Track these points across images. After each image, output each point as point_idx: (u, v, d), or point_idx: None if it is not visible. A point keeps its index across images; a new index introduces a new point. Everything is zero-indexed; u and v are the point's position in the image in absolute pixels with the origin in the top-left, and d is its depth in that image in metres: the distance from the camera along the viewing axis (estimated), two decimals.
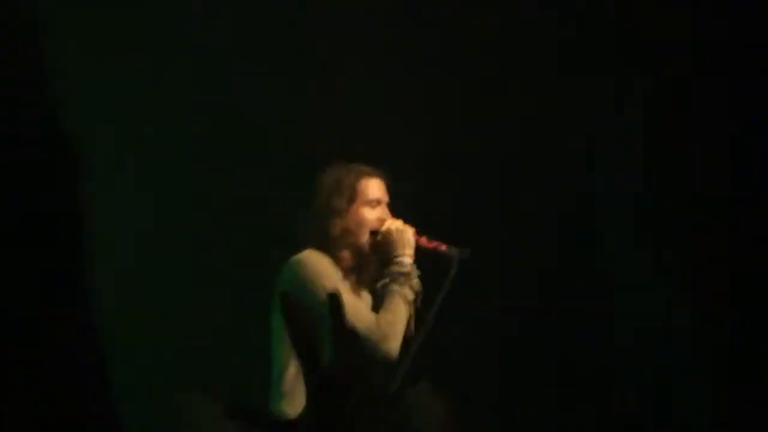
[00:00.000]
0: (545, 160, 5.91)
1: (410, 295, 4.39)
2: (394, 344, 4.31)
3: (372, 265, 4.51)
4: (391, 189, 4.58)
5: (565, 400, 5.78)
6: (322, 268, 4.36)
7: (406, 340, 4.36)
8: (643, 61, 5.77)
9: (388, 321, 4.32)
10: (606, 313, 5.80)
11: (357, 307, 4.34)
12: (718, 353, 5.52)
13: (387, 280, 4.41)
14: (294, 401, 4.35)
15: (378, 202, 4.53)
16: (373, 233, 4.48)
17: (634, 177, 5.79)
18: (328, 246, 4.44)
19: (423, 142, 5.87)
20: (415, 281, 4.43)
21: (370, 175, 4.55)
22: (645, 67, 5.77)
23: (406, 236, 4.45)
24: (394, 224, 4.49)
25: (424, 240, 4.50)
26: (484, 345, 5.91)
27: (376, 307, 4.41)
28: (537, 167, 5.91)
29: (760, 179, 5.52)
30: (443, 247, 4.49)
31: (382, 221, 4.51)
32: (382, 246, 4.47)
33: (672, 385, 5.60)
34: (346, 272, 4.48)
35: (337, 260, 4.45)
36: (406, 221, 4.52)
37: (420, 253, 4.48)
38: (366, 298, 4.53)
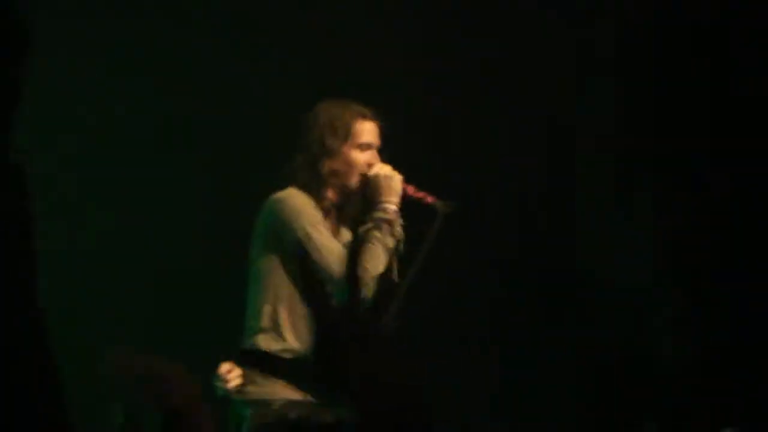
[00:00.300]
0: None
1: (390, 243, 4.37)
2: (367, 290, 4.32)
3: (355, 205, 4.49)
4: (383, 133, 4.53)
5: (548, 347, 5.81)
6: (303, 207, 4.36)
7: (390, 287, 4.36)
8: None
9: (364, 267, 4.32)
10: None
11: (337, 249, 4.35)
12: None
13: (370, 224, 4.39)
14: (269, 338, 4.37)
15: (369, 146, 4.49)
16: (362, 176, 4.46)
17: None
18: (314, 184, 4.42)
19: (417, 93, 5.86)
20: (398, 229, 4.41)
21: (365, 116, 4.50)
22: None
23: (393, 183, 4.42)
24: (383, 170, 4.45)
25: (411, 189, 4.46)
26: (467, 297, 5.96)
27: (354, 248, 4.40)
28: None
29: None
30: (429, 199, 4.46)
31: (371, 165, 4.47)
32: (369, 190, 4.44)
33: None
34: (327, 211, 4.46)
35: (320, 199, 4.43)
36: (395, 168, 4.48)
37: (406, 202, 4.44)
38: (345, 236, 4.50)
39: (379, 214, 4.40)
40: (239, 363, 4.33)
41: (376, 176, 4.44)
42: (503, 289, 5.89)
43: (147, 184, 5.90)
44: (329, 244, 4.34)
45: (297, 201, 4.37)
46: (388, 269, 4.38)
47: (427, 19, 5.94)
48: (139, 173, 5.89)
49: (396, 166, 4.48)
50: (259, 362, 4.32)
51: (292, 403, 4.34)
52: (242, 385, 4.35)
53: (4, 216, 0.99)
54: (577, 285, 5.83)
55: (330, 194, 4.46)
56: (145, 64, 5.82)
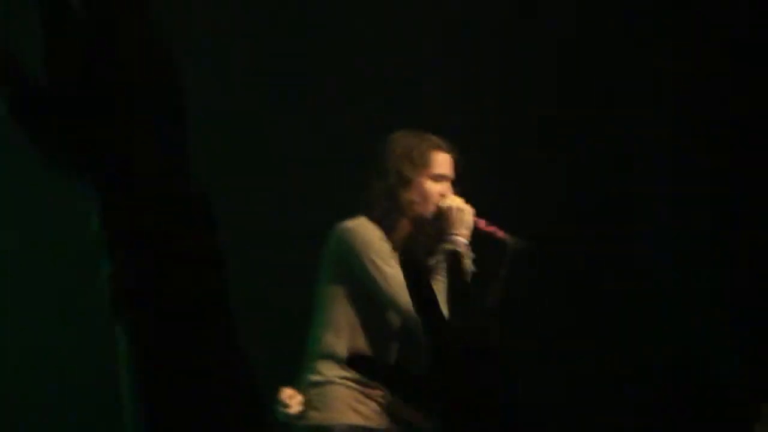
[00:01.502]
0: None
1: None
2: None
3: (427, 238, 4.49)
4: (458, 166, 4.55)
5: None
6: (372, 239, 4.37)
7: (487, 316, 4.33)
8: None
9: None
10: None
11: (400, 280, 4.26)
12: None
13: (441, 256, 4.38)
14: (330, 364, 4.38)
15: (444, 177, 4.50)
16: (435, 207, 4.46)
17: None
18: (392, 214, 4.44)
19: (493, 127, 5.85)
20: (468, 262, 4.37)
21: (441, 148, 4.51)
22: None
23: (465, 216, 4.42)
24: (455, 202, 4.45)
25: (482, 223, 4.46)
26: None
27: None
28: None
29: None
30: (500, 234, 4.46)
31: (444, 197, 4.48)
32: (440, 222, 4.44)
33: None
34: (399, 242, 4.47)
35: (393, 229, 4.44)
36: (467, 202, 4.49)
37: (477, 236, 4.44)
38: None
39: (450, 247, 4.39)
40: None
41: (448, 208, 4.43)
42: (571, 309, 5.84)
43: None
44: (398, 277, 4.29)
45: (367, 232, 4.38)
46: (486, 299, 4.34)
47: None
48: None
49: (468, 200, 4.49)
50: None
51: (353, 429, 4.35)
52: (303, 410, 4.36)
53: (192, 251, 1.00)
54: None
55: (404, 225, 4.47)
56: None
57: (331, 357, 4.38)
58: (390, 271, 4.33)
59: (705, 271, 5.66)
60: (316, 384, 4.39)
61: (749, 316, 5.56)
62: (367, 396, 4.39)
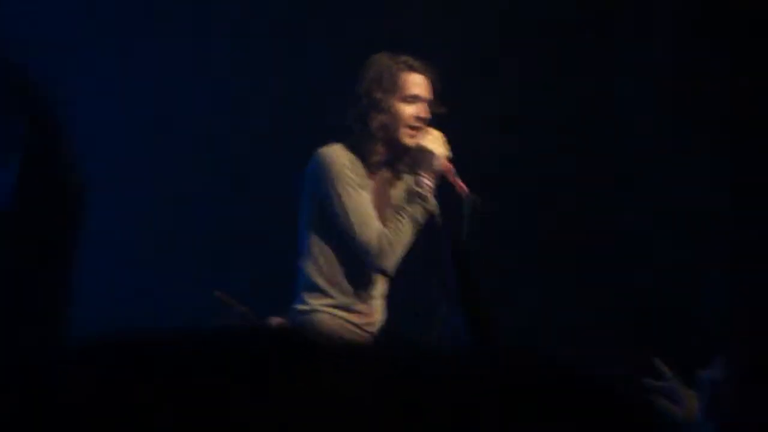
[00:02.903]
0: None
1: (421, 218, 4.37)
2: (389, 262, 4.35)
3: (403, 163, 4.45)
4: (438, 87, 4.40)
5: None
6: (340, 167, 4.32)
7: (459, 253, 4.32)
8: None
9: (389, 240, 4.33)
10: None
11: (365, 216, 4.34)
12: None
13: (403, 196, 4.40)
14: (315, 294, 4.41)
15: (417, 98, 4.38)
16: (410, 131, 4.37)
17: None
18: (364, 139, 4.37)
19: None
20: (432, 203, 4.38)
21: (414, 68, 4.39)
22: None
23: (434, 160, 4.37)
24: (427, 140, 4.38)
25: (450, 172, 4.40)
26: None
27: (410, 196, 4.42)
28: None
29: None
30: (462, 189, 4.38)
31: (419, 119, 4.38)
32: (410, 158, 4.41)
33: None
34: (378, 165, 4.42)
35: (370, 154, 4.37)
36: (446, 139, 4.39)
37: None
38: (401, 188, 4.47)
39: (414, 187, 4.39)
40: None
41: (417, 146, 4.38)
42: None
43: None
44: (358, 208, 4.32)
45: (337, 158, 4.34)
46: (458, 236, 4.29)
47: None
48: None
49: (446, 134, 4.40)
50: None
51: None
52: None
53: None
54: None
55: (380, 149, 4.39)
56: None
57: (313, 286, 4.40)
58: (351, 201, 4.32)
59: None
60: (302, 313, 4.41)
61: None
62: (349, 322, 4.42)
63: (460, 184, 4.40)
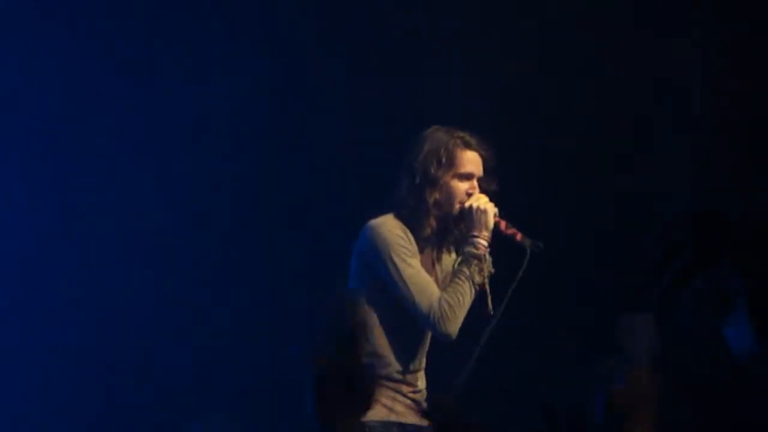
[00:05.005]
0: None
1: (478, 279, 4.41)
2: (452, 326, 4.37)
3: (452, 236, 4.53)
4: (489, 162, 4.52)
5: None
6: (395, 239, 4.39)
7: (486, 320, 4.42)
8: None
9: (449, 303, 4.36)
10: None
11: (423, 283, 4.38)
12: None
13: (459, 259, 4.44)
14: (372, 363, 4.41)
15: (471, 175, 4.49)
16: (459, 205, 4.46)
17: None
18: (418, 213, 4.45)
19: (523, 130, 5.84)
20: (487, 264, 4.43)
21: (469, 146, 4.49)
22: None
23: (485, 217, 4.42)
24: (477, 202, 4.45)
25: (503, 224, 4.46)
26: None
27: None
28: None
29: None
30: (519, 237, 4.45)
31: (469, 195, 4.47)
32: (462, 222, 4.46)
33: None
34: (427, 240, 4.50)
35: (422, 228, 4.46)
36: (492, 200, 4.48)
37: (496, 237, 4.45)
38: (447, 263, 4.55)
39: (469, 249, 4.43)
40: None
41: (469, 209, 4.44)
42: None
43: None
44: (416, 276, 4.38)
45: (390, 231, 4.42)
46: (484, 303, 4.44)
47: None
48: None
49: (493, 199, 4.49)
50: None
51: (386, 425, 4.40)
52: None
53: None
54: None
55: (432, 222, 4.48)
56: None
57: (372, 355, 4.27)
58: (409, 270, 4.38)
59: None
60: None
61: None
62: (398, 392, 4.45)
63: (517, 233, 4.46)
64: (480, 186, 4.50)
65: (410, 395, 4.48)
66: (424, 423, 4.40)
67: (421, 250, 4.48)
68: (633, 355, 2.14)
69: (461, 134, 4.49)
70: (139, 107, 5.96)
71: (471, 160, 4.48)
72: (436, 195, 4.45)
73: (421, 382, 4.55)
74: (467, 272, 4.40)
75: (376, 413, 4.37)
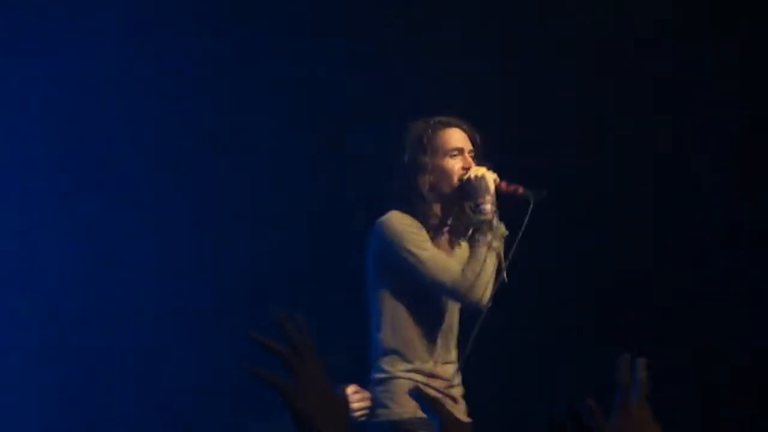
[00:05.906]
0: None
1: (495, 242, 4.38)
2: (480, 291, 4.34)
3: (464, 214, 4.50)
4: (475, 137, 4.53)
5: None
6: (404, 228, 4.39)
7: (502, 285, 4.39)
8: None
9: (473, 271, 4.33)
10: None
11: (442, 262, 4.37)
12: None
13: (472, 230, 4.42)
14: (393, 359, 4.42)
15: (460, 150, 4.49)
16: (458, 182, 4.46)
17: None
18: (417, 202, 4.45)
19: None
20: (500, 227, 4.41)
21: (448, 125, 4.51)
22: None
23: (484, 182, 4.40)
24: (474, 172, 4.44)
25: (503, 185, 4.44)
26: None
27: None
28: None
29: None
30: (521, 190, 4.43)
31: (466, 169, 4.47)
32: (465, 195, 4.45)
33: None
34: (436, 228, 4.49)
35: (427, 216, 4.46)
36: (490, 168, 4.47)
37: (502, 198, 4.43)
38: (464, 248, 4.52)
39: (477, 217, 4.41)
40: None
41: (467, 179, 4.44)
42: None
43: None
44: (434, 258, 4.37)
45: (398, 222, 4.41)
46: (498, 269, 4.39)
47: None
48: None
49: (489, 165, 4.49)
50: None
51: (424, 422, 4.31)
52: (371, 407, 4.39)
53: None
54: None
55: (436, 209, 4.48)
56: None
57: (393, 352, 4.42)
58: (425, 254, 4.36)
59: None
60: (382, 381, 4.42)
61: None
62: (433, 387, 4.39)
63: (518, 187, 4.44)
64: (474, 160, 4.50)
65: (443, 390, 4.43)
66: (462, 418, 4.36)
67: (433, 240, 4.46)
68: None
69: (438, 118, 4.53)
70: (140, 107, 5.96)
71: (454, 137, 4.50)
72: (430, 179, 4.45)
73: (456, 378, 4.52)
74: (482, 238, 4.37)
75: (406, 410, 4.36)
